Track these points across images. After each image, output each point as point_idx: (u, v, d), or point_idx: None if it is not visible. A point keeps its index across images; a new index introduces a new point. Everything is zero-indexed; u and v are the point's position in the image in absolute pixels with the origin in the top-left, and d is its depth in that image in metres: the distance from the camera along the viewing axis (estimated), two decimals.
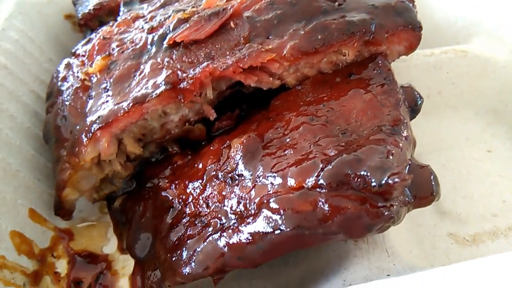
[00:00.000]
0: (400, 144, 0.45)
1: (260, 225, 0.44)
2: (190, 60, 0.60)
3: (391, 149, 0.43)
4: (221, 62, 0.58)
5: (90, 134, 0.58)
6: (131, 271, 0.59)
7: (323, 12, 0.60)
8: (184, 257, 0.48)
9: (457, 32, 0.94)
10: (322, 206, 0.41)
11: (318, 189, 0.42)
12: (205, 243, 0.47)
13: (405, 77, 0.84)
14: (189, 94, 0.57)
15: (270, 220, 0.43)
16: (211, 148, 0.58)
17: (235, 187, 0.49)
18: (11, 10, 0.87)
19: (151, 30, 0.67)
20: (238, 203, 0.48)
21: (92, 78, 0.66)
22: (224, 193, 0.50)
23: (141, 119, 0.58)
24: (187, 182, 0.56)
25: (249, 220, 0.45)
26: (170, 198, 0.57)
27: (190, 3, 0.71)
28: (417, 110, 0.58)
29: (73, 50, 0.77)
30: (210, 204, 0.51)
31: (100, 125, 0.57)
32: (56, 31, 0.96)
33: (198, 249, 0.47)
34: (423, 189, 0.47)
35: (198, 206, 0.53)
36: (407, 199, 0.45)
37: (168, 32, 0.64)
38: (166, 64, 0.60)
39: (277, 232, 0.43)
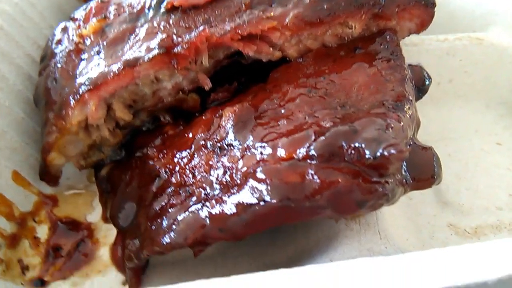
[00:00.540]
0: (402, 120, 0.42)
1: (244, 195, 0.41)
2: (187, 25, 0.57)
3: (391, 122, 0.40)
4: (219, 28, 0.55)
5: (78, 96, 0.55)
6: (113, 241, 0.56)
7: None
8: (164, 226, 0.46)
9: (474, 20, 0.89)
10: (311, 178, 0.38)
11: (308, 161, 0.39)
12: (187, 213, 0.45)
13: (415, 62, 0.80)
14: (183, 60, 0.54)
15: (255, 190, 0.40)
16: (203, 117, 0.55)
17: (223, 157, 0.47)
18: None
19: None
20: (225, 173, 0.45)
21: (85, 41, 0.63)
22: (211, 162, 0.47)
23: (132, 83, 0.56)
24: (175, 152, 0.53)
25: (234, 190, 0.42)
26: (157, 167, 0.54)
27: None
28: (424, 90, 0.54)
29: (72, 15, 0.75)
30: (197, 174, 0.48)
31: (89, 87, 0.55)
32: None
33: (179, 219, 0.45)
34: (423, 171, 0.44)
35: (184, 176, 0.50)
36: (404, 179, 0.42)
37: None
38: (162, 28, 0.57)
39: (261, 203, 0.40)
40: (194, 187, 0.47)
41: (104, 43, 0.60)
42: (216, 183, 0.45)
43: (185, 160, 0.51)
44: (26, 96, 0.71)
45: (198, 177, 0.48)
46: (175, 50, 0.54)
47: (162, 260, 0.56)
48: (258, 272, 0.33)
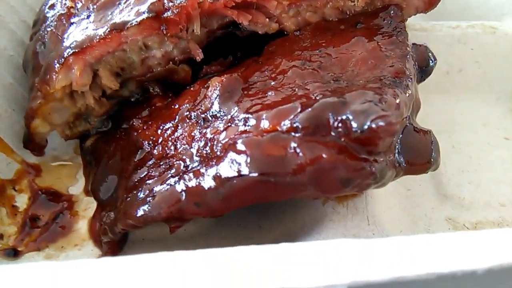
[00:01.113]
0: (399, 97, 0.39)
1: (222, 168, 0.38)
2: None
3: (386, 97, 0.37)
4: None
5: (62, 60, 0.53)
6: (92, 214, 0.54)
7: None
8: (139, 198, 0.43)
9: (489, 10, 0.85)
10: (293, 151, 0.35)
11: (292, 133, 0.36)
12: (164, 185, 0.42)
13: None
14: (174, 26, 0.51)
15: (234, 163, 0.37)
16: (192, 88, 0.52)
17: (206, 128, 0.44)
18: None
19: None
20: (205, 145, 0.42)
21: (77, 4, 0.60)
22: (193, 134, 0.44)
23: (119, 49, 0.53)
24: (159, 123, 0.51)
25: (213, 163, 0.39)
26: (141, 139, 0.52)
27: None
28: (428, 72, 0.50)
29: None
30: (178, 146, 0.46)
31: (73, 51, 0.52)
32: None
33: (155, 191, 0.42)
34: (419, 155, 0.41)
35: (166, 148, 0.47)
36: (397, 162, 0.39)
37: None
38: None
39: (240, 177, 0.37)
40: (174, 159, 0.45)
41: (95, 6, 0.57)
42: (196, 156, 0.42)
43: (168, 132, 0.48)
44: (17, 62, 0.69)
45: (180, 149, 0.45)
46: (165, 14, 0.51)
47: (141, 238, 0.54)
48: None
